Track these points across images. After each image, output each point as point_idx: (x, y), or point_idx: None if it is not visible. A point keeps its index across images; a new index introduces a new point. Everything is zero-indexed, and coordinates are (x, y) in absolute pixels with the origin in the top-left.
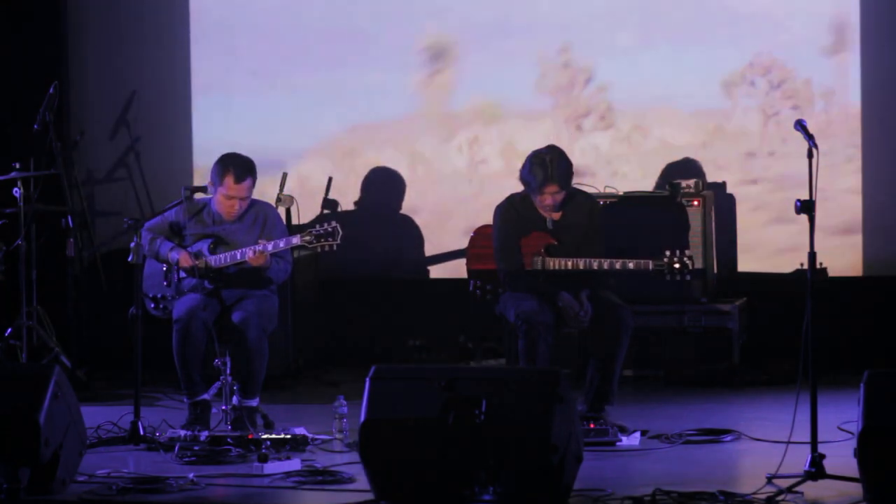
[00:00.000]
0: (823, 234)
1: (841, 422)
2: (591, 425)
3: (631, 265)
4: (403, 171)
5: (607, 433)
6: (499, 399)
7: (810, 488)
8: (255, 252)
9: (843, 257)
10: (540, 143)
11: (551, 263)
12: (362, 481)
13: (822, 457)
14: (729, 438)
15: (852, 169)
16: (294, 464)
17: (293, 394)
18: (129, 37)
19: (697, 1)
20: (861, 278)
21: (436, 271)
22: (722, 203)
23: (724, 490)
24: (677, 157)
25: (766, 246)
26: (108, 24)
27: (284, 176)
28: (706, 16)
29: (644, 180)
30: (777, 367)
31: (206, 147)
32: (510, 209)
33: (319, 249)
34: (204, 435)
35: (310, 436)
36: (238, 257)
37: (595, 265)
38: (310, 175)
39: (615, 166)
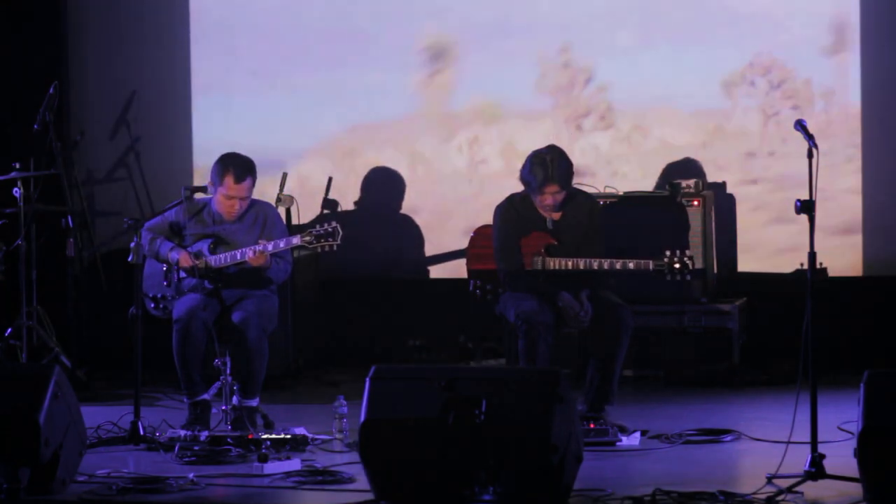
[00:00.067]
0: (823, 234)
1: (841, 422)
2: (591, 425)
3: (631, 265)
4: (403, 171)
5: (607, 433)
6: (499, 399)
7: (810, 488)
8: (255, 252)
9: (843, 257)
10: (540, 143)
11: (551, 263)
12: (362, 481)
13: (822, 457)
14: (729, 438)
15: (852, 169)
16: (294, 464)
17: (293, 394)
18: (129, 37)
19: (697, 1)
20: (861, 278)
21: (436, 271)
22: (722, 203)
23: (724, 490)
24: (677, 157)
25: (766, 246)
26: (108, 24)
27: (284, 176)
28: (706, 16)
29: (644, 180)
30: (777, 367)
31: (206, 147)
32: (510, 209)
33: (320, 250)
34: (204, 435)
35: (310, 436)
36: (238, 257)
37: (595, 265)
38: (310, 175)
39: (615, 166)
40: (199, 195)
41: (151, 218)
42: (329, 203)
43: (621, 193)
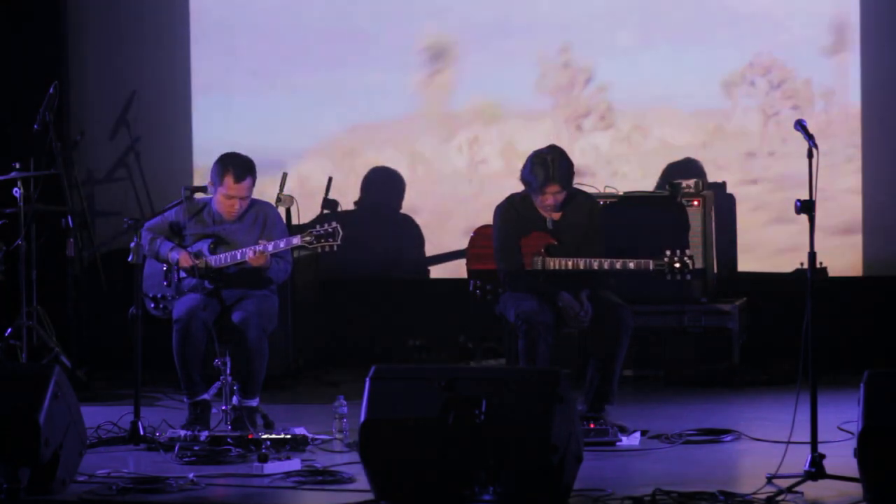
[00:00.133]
0: (823, 234)
1: (841, 422)
2: (591, 425)
3: (631, 265)
4: (403, 171)
5: (607, 433)
6: (499, 399)
7: (810, 488)
8: (255, 252)
9: (843, 257)
10: (540, 143)
11: (551, 263)
12: (362, 481)
13: (822, 457)
14: (729, 438)
15: (852, 169)
16: (294, 464)
17: (293, 394)
18: (129, 37)
19: (697, 1)
20: (861, 278)
21: (436, 271)
22: (722, 203)
23: (724, 490)
24: (677, 157)
25: (766, 246)
26: (108, 24)
27: (284, 176)
28: (706, 16)
29: (644, 180)
30: (777, 367)
31: (206, 147)
32: (510, 209)
33: (320, 250)
34: (204, 435)
35: (310, 436)
36: (238, 257)
37: (595, 265)
38: (310, 175)
39: (615, 166)
40: (199, 195)
41: (151, 218)
42: (329, 203)
43: (621, 193)
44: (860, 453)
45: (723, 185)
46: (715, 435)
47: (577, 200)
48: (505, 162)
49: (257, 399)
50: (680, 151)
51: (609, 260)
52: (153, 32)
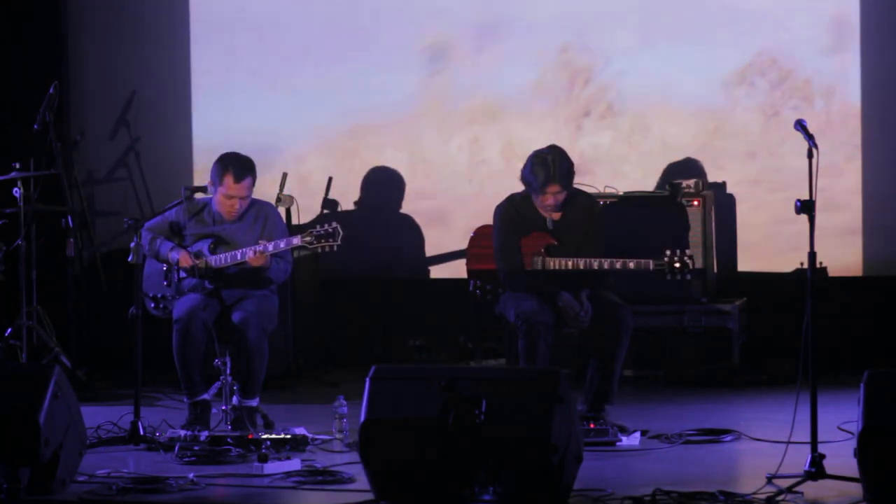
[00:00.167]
0: (823, 234)
1: (841, 422)
2: (591, 425)
3: (631, 265)
4: (403, 171)
5: (607, 433)
6: (499, 399)
7: (810, 488)
8: (255, 252)
9: (843, 257)
10: (540, 143)
11: (551, 263)
12: (362, 481)
13: (822, 457)
14: (729, 438)
15: (852, 169)
16: (294, 464)
17: (293, 394)
18: (129, 37)
19: (697, 0)
20: (861, 278)
21: (436, 271)
22: (722, 203)
23: (724, 490)
24: (677, 157)
25: (766, 246)
26: (108, 24)
27: (284, 176)
28: (706, 15)
29: (644, 180)
30: (777, 367)
31: (206, 147)
32: (510, 209)
33: (320, 250)
34: (204, 435)
35: (310, 436)
36: (238, 257)
37: (595, 265)
38: (310, 175)
39: (615, 166)
40: (199, 195)
41: (151, 218)
42: (329, 203)
43: (621, 193)
44: (860, 453)
45: (723, 185)
46: (715, 435)
47: (578, 200)
48: (505, 162)
49: (257, 399)
50: (680, 151)
51: (609, 260)
52: (153, 32)
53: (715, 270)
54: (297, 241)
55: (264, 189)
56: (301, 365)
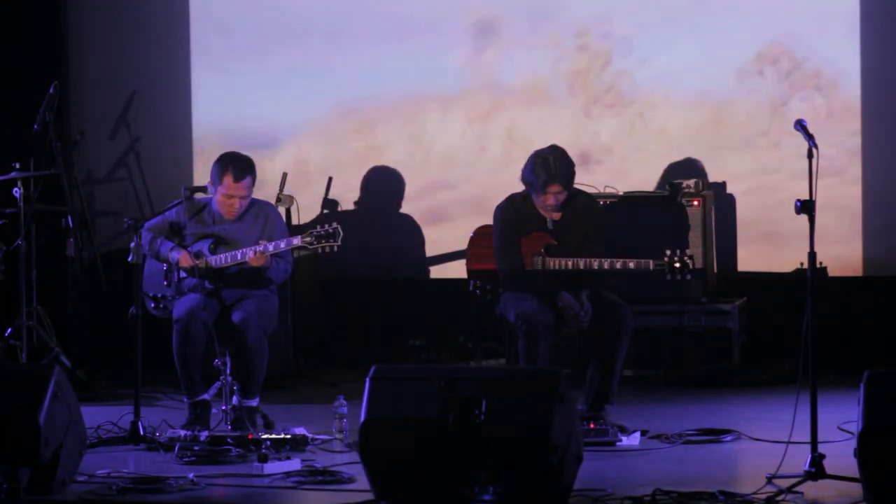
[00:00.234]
0: (823, 234)
1: (841, 422)
2: (591, 425)
3: (631, 265)
4: (404, 171)
5: (607, 433)
6: (499, 399)
7: (810, 488)
8: (255, 253)
9: (843, 257)
10: (549, 131)
11: (551, 263)
12: (362, 481)
13: (822, 457)
14: (729, 438)
15: (853, 169)
16: (294, 464)
17: (293, 394)
18: (129, 37)
19: None
20: (861, 278)
21: (436, 271)
22: (722, 203)
23: (724, 490)
24: (683, 148)
25: (766, 246)
26: (108, 24)
27: (284, 176)
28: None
29: (651, 176)
30: (777, 367)
31: (206, 147)
32: (510, 209)
33: (320, 250)
34: (204, 435)
35: (310, 436)
36: (238, 258)
37: (595, 265)
38: (310, 175)
39: (626, 153)
40: (199, 195)
41: (151, 218)
42: (329, 203)
43: (621, 193)
44: (860, 453)
45: (723, 185)
46: (715, 435)
47: (578, 200)
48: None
49: (257, 399)
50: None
51: (609, 260)
52: (153, 32)
53: (715, 270)
54: (297, 241)
55: (265, 189)
56: (301, 365)
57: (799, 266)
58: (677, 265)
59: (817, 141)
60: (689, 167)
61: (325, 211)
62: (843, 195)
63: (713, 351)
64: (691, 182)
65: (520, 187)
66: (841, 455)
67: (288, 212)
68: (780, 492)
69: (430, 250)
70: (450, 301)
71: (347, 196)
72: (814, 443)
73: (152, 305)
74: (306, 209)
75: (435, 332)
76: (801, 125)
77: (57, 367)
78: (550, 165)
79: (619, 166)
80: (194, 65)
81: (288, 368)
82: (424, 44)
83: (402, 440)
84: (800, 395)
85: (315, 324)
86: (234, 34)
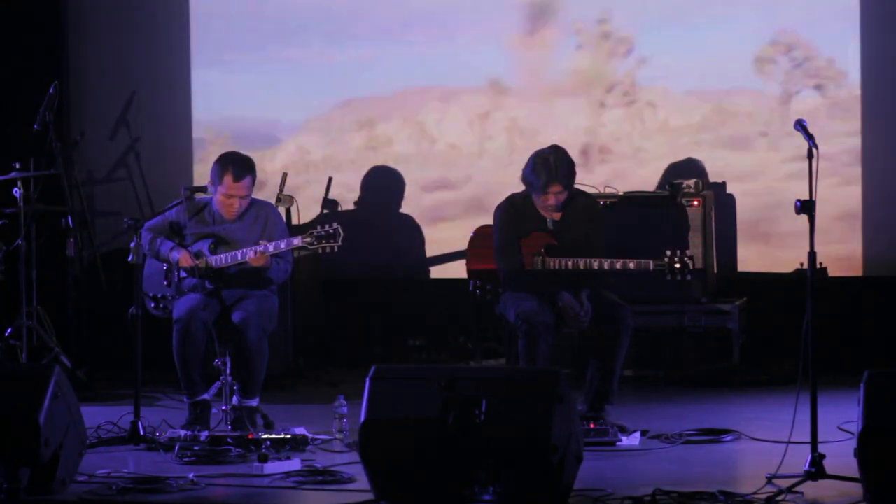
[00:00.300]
0: (824, 234)
1: (841, 422)
2: (591, 425)
3: (631, 265)
4: (404, 169)
5: (607, 433)
6: (499, 399)
7: (810, 488)
8: (255, 253)
9: (843, 257)
10: (558, 126)
11: (551, 263)
12: (362, 481)
13: (822, 457)
14: (729, 438)
15: (853, 168)
16: (294, 464)
17: (293, 394)
18: (129, 37)
19: None
20: (861, 278)
21: (436, 271)
22: (722, 203)
23: (724, 490)
24: (683, 148)
25: (766, 246)
26: (108, 24)
27: (284, 176)
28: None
29: (651, 176)
30: (777, 367)
31: (206, 147)
32: (510, 209)
33: (320, 251)
34: (204, 435)
35: (310, 436)
36: (239, 258)
37: (595, 265)
38: (310, 175)
39: (638, 144)
40: (199, 195)
41: (151, 218)
42: (329, 203)
43: (621, 193)
44: (860, 453)
45: (723, 185)
46: (715, 435)
47: (578, 200)
48: (506, 158)
49: (257, 399)
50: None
51: (609, 260)
52: (153, 32)
53: (715, 270)
54: (297, 241)
55: (265, 189)
56: (301, 365)
57: (799, 266)
58: (677, 265)
59: (817, 141)
60: (689, 167)
61: (325, 211)
62: (843, 195)
63: (713, 351)
64: (691, 182)
65: (520, 187)
66: (841, 455)
67: (288, 212)
68: (780, 492)
69: (430, 250)
70: (450, 301)
71: (347, 196)
72: (814, 443)
73: (152, 305)
74: (306, 209)
75: (435, 332)
76: (800, 125)
77: (57, 367)
78: (551, 165)
79: (620, 166)
80: (194, 64)
81: (288, 368)
82: (425, 40)
83: (402, 440)
84: (800, 395)
85: (315, 324)
86: (235, 34)
